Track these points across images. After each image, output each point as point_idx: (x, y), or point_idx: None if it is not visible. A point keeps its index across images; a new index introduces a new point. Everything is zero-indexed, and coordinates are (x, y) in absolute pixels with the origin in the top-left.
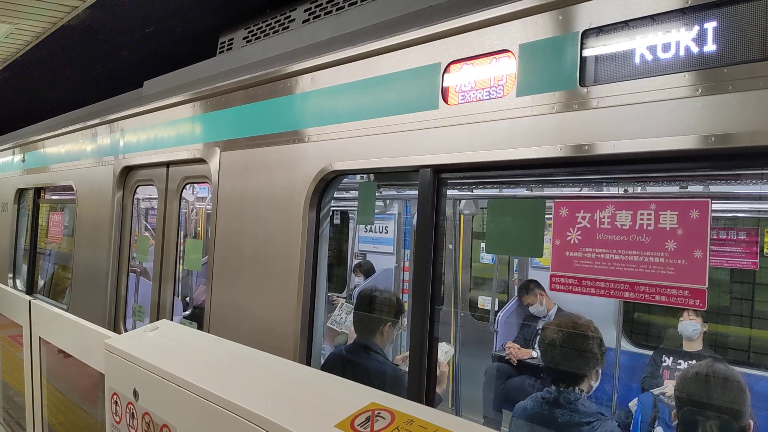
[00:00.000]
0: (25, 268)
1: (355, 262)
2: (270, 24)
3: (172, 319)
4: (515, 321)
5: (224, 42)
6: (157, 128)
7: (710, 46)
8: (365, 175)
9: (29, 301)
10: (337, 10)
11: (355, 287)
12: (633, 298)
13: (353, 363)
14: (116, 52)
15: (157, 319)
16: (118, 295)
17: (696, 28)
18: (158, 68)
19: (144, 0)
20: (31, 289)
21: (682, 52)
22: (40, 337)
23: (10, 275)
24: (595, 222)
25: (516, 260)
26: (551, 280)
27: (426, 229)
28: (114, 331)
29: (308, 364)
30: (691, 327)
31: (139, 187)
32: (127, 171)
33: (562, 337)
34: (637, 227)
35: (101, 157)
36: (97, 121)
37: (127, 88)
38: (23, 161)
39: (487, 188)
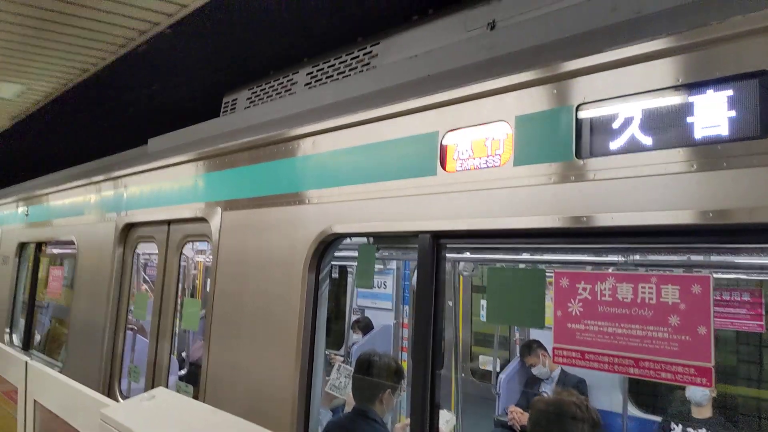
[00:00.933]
0: (22, 322)
1: (354, 318)
2: (273, 86)
3: (168, 379)
4: (517, 383)
5: (228, 102)
6: (160, 186)
7: (704, 123)
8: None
9: (26, 363)
10: (338, 74)
11: (353, 344)
12: (638, 374)
13: None
14: (122, 108)
15: (153, 379)
16: (114, 354)
17: (688, 104)
18: (163, 126)
19: (150, 58)
20: (27, 344)
21: (675, 128)
22: (35, 400)
23: (7, 330)
24: (596, 294)
25: None
26: (554, 353)
27: (426, 293)
28: (108, 394)
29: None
30: (699, 393)
31: (140, 244)
32: (129, 228)
33: (551, 415)
34: (638, 300)
35: (103, 213)
36: (101, 177)
37: (132, 144)
38: (26, 214)
39: (486, 253)
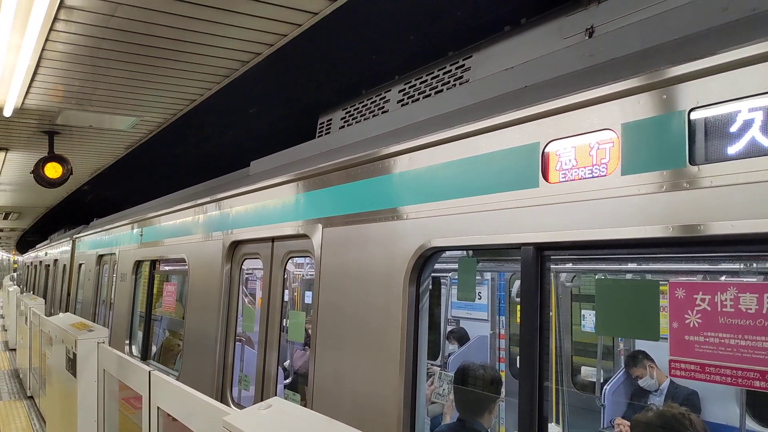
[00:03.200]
0: (140, 334)
1: (449, 328)
2: (367, 105)
3: (276, 388)
4: (623, 395)
5: (323, 122)
6: (263, 205)
7: None
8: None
9: (149, 372)
10: (431, 90)
11: (449, 355)
12: (764, 387)
13: None
14: (222, 132)
15: (262, 387)
16: (225, 364)
17: None
18: (264, 147)
19: (249, 82)
20: (145, 354)
21: None
22: (158, 407)
23: (127, 341)
24: (716, 305)
25: None
26: (670, 365)
27: (531, 305)
28: (221, 400)
29: None
30: None
31: (246, 260)
32: (235, 245)
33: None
34: (764, 311)
35: (211, 232)
36: (207, 199)
37: (235, 167)
38: (141, 235)
39: (589, 264)
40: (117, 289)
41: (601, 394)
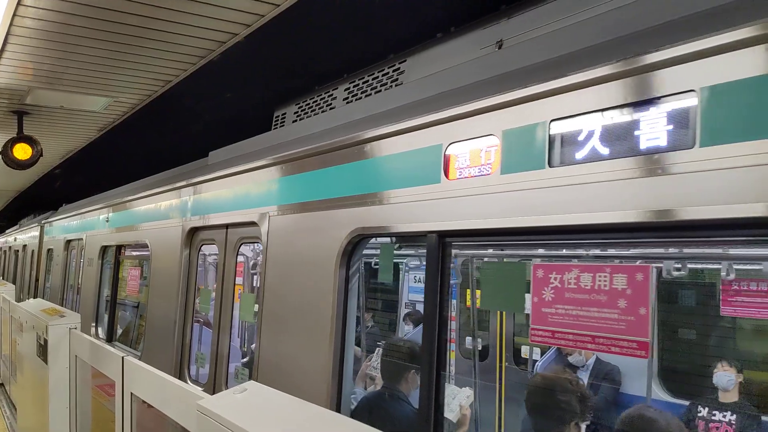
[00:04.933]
0: (106, 317)
1: (405, 311)
2: (317, 101)
3: (227, 366)
4: (553, 371)
5: (278, 116)
6: (218, 194)
7: (649, 137)
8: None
9: (122, 358)
10: (372, 90)
11: (405, 335)
12: (594, 349)
13: (380, 408)
14: (187, 122)
15: (215, 365)
16: (183, 343)
17: (635, 121)
18: (224, 138)
19: (207, 76)
20: (110, 336)
21: (627, 142)
22: (131, 393)
23: (93, 324)
24: (564, 282)
25: None
26: (531, 333)
27: (432, 284)
28: (179, 377)
29: (338, 407)
30: (725, 378)
31: (203, 246)
32: (193, 231)
33: (545, 390)
34: (596, 287)
35: (172, 219)
36: (168, 187)
37: (199, 155)
38: (107, 221)
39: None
40: (84, 273)
41: (533, 369)
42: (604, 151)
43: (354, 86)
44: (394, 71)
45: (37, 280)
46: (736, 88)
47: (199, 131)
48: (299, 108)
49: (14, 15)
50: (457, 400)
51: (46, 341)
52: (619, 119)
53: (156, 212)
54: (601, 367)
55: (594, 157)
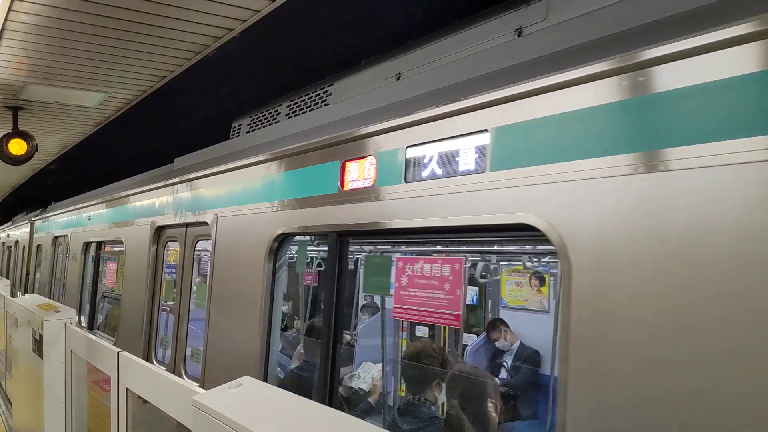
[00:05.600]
0: (88, 307)
1: (363, 302)
2: (265, 115)
3: (186, 348)
4: (483, 354)
5: (235, 126)
6: (180, 197)
7: (464, 162)
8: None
9: (118, 353)
10: (307, 108)
11: (358, 325)
12: (431, 321)
13: (301, 377)
14: (160, 129)
15: (176, 347)
16: (151, 329)
17: (456, 150)
18: (191, 145)
19: (177, 87)
20: (91, 325)
21: (452, 165)
22: (127, 388)
23: (76, 313)
24: (414, 270)
25: (490, 301)
26: (393, 311)
27: (330, 273)
28: (147, 359)
29: (265, 379)
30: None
31: (169, 242)
32: (160, 230)
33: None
34: (432, 275)
35: (142, 219)
36: (140, 189)
37: (165, 161)
38: (89, 219)
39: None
40: (69, 267)
41: (464, 353)
42: (439, 171)
43: (294, 103)
44: (324, 93)
45: (27, 274)
46: (511, 129)
47: (167, 139)
48: (252, 120)
49: (9, 10)
50: (371, 373)
51: (41, 336)
52: (447, 148)
53: (129, 212)
54: (524, 350)
55: (432, 176)
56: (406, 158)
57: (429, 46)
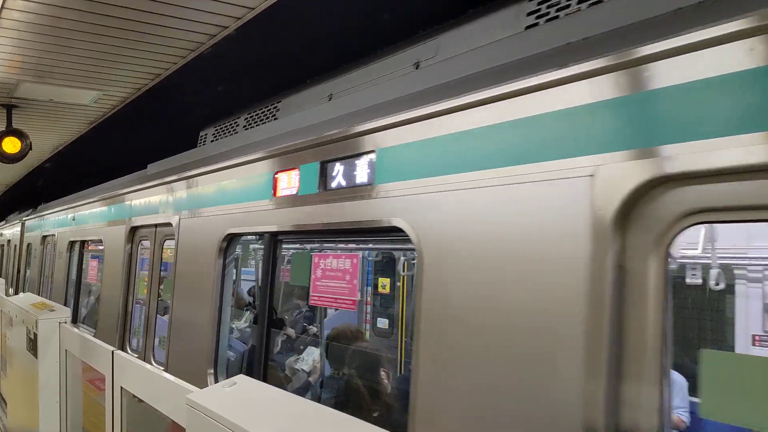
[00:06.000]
0: (72, 302)
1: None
2: (227, 126)
3: (154, 337)
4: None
5: (202, 136)
6: (151, 200)
7: (359, 175)
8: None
9: (113, 352)
10: (260, 121)
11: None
12: (337, 306)
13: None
14: (124, 137)
15: (145, 337)
16: (125, 321)
17: (354, 164)
18: (166, 151)
19: (153, 97)
20: (75, 318)
21: (351, 178)
22: (121, 386)
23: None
24: (326, 264)
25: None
26: (310, 297)
27: (268, 268)
28: (122, 348)
29: (215, 363)
30: None
31: (142, 241)
32: (134, 230)
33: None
34: (337, 267)
35: (118, 219)
36: (115, 192)
37: (142, 167)
38: (73, 220)
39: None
40: (56, 265)
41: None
42: (343, 182)
43: (251, 117)
44: (274, 108)
45: (18, 271)
46: (390, 150)
47: (148, 146)
48: (216, 130)
49: (3, 8)
50: (313, 356)
51: (36, 335)
52: (348, 165)
53: (107, 214)
54: None
55: (339, 186)
56: (320, 171)
57: (354, 72)
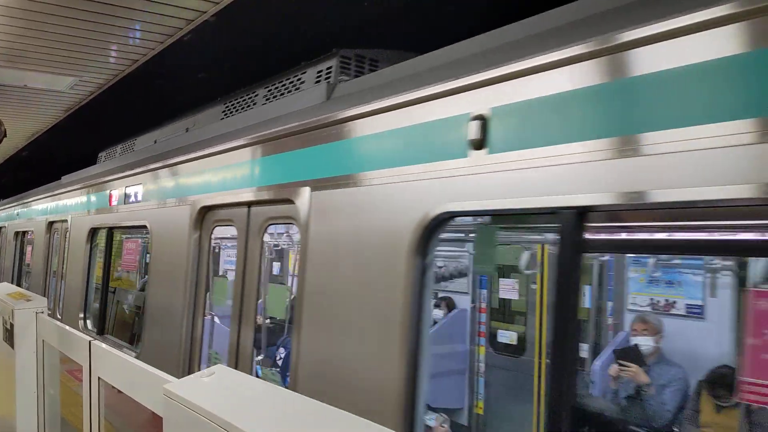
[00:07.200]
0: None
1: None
2: (116, 148)
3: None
4: None
5: (101, 156)
6: (63, 203)
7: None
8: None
9: (90, 342)
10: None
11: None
12: None
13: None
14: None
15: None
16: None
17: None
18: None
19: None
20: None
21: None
22: (99, 377)
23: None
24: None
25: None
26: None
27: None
28: (84, 328)
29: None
30: None
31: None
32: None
33: None
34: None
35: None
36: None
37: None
38: (17, 215)
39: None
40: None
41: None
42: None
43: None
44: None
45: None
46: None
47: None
48: (107, 152)
49: None
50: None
51: (12, 326)
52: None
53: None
54: None
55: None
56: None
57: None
